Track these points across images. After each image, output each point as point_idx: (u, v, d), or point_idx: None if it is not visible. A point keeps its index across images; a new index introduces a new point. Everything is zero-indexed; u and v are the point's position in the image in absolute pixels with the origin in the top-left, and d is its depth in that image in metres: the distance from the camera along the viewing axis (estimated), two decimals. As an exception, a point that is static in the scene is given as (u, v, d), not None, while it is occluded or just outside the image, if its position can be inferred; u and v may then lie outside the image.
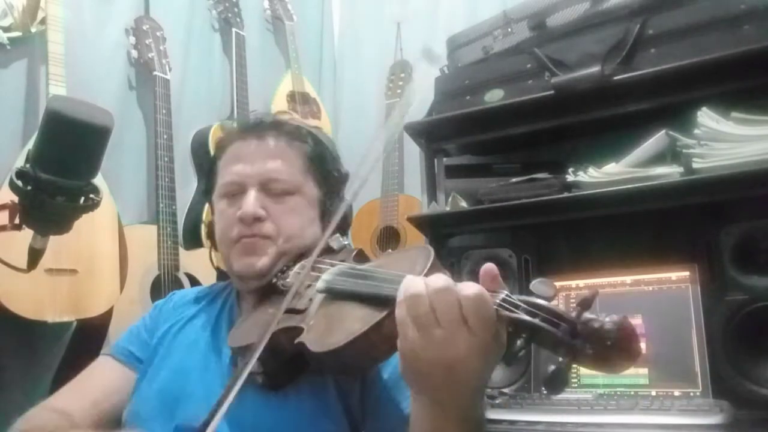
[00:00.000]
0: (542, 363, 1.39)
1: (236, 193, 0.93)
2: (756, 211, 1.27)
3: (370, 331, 0.65)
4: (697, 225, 1.39)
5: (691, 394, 1.24)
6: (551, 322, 0.54)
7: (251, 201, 0.90)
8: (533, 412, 1.24)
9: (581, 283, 1.45)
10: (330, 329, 0.71)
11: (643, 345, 1.33)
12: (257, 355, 0.70)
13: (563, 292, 1.46)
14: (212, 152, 1.05)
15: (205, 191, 1.04)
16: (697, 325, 1.28)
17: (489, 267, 0.61)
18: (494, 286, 0.60)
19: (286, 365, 0.80)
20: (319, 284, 0.79)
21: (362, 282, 0.73)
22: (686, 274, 1.34)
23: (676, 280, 1.35)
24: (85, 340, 1.72)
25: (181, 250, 1.92)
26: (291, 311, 0.80)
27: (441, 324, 0.57)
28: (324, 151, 0.99)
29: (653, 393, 1.27)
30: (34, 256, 0.96)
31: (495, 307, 0.57)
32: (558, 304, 1.43)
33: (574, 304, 0.55)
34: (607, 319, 0.52)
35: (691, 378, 1.25)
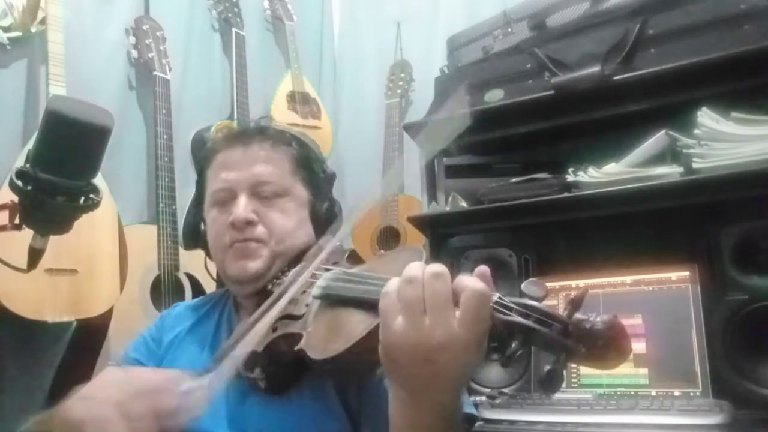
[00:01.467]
0: (542, 363, 1.39)
1: (226, 199, 0.94)
2: (756, 211, 1.27)
3: (368, 336, 0.65)
4: (697, 225, 1.39)
5: (691, 394, 1.24)
6: (544, 322, 0.55)
7: (242, 205, 0.92)
8: (533, 412, 1.24)
9: (581, 283, 1.45)
10: (328, 336, 0.72)
11: (643, 345, 1.33)
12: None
13: (563, 292, 1.46)
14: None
15: (196, 202, 1.04)
16: (697, 325, 1.29)
17: (483, 269, 0.61)
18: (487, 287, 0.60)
19: (287, 370, 0.80)
20: (315, 291, 0.79)
21: (356, 287, 0.73)
22: (686, 274, 1.34)
23: (676, 280, 1.35)
24: (85, 340, 1.72)
25: (181, 250, 1.92)
26: (289, 317, 0.80)
27: (429, 311, 0.57)
28: (309, 154, 1.01)
29: (653, 393, 1.28)
30: (34, 256, 0.96)
31: (490, 308, 0.57)
32: (556, 305, 1.43)
33: (565, 304, 0.56)
34: (598, 320, 0.53)
35: (691, 378, 1.25)
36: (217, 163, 0.98)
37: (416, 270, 0.60)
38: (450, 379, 0.59)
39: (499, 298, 0.58)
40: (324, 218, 0.99)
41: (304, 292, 0.82)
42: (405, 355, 0.59)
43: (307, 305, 0.80)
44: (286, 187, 0.95)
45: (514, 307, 0.57)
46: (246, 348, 0.78)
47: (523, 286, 0.58)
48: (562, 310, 0.56)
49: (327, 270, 0.82)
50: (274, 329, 0.80)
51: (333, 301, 0.76)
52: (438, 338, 0.57)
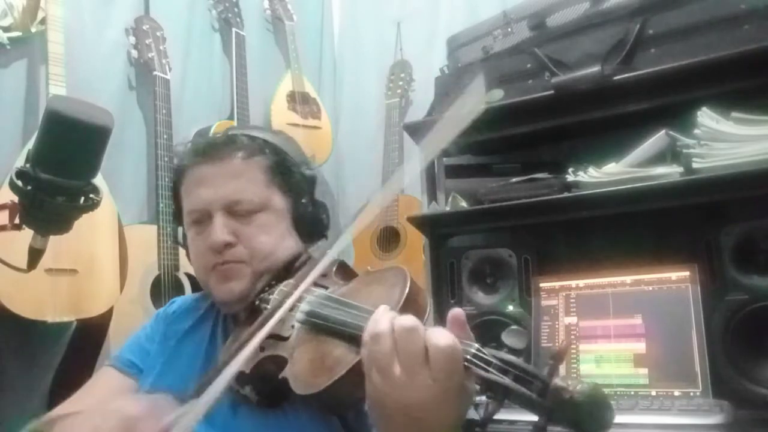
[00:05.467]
0: (540, 367, 1.39)
1: (202, 220, 0.91)
2: (756, 211, 1.27)
3: (349, 373, 0.65)
4: (697, 225, 1.39)
5: (691, 394, 1.24)
6: (523, 381, 0.52)
7: (218, 228, 0.88)
8: (533, 412, 1.24)
9: (581, 283, 1.45)
10: (311, 369, 0.71)
11: (643, 345, 1.33)
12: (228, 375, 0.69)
13: (563, 292, 1.46)
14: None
15: (175, 217, 1.02)
16: (697, 325, 1.28)
17: (457, 313, 0.59)
18: (463, 334, 0.58)
19: (277, 389, 0.79)
20: (299, 315, 0.78)
21: (339, 317, 0.72)
22: (686, 274, 1.34)
23: (676, 280, 1.35)
24: (85, 340, 1.72)
25: (181, 250, 1.92)
26: (276, 337, 0.79)
27: (402, 366, 0.56)
28: (285, 159, 0.96)
29: (653, 393, 1.27)
30: (34, 256, 0.96)
31: (466, 363, 0.56)
32: (556, 304, 1.43)
33: (549, 359, 0.53)
34: (578, 389, 0.50)
35: (691, 378, 1.25)
36: (188, 180, 0.94)
37: (383, 326, 0.58)
38: (433, 428, 0.58)
39: (478, 350, 0.56)
40: (308, 223, 0.96)
41: (291, 309, 0.80)
42: (387, 410, 0.58)
43: (293, 326, 0.79)
44: (262, 201, 0.91)
45: (493, 362, 0.54)
46: (233, 369, 0.78)
47: (503, 335, 0.56)
48: (543, 368, 0.53)
49: (315, 286, 0.81)
50: (261, 349, 0.79)
51: (317, 328, 0.75)
52: (415, 396, 0.56)
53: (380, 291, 0.70)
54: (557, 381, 0.51)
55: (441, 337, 0.56)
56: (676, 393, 1.26)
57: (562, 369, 0.52)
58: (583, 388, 0.50)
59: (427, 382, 0.55)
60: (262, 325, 0.74)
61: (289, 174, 0.95)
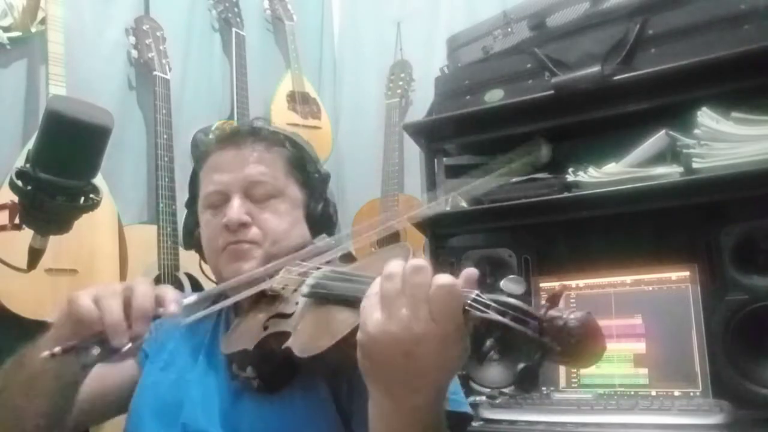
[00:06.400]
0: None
1: (220, 202, 0.94)
2: (756, 211, 1.27)
3: (353, 333, 0.65)
4: (697, 225, 1.40)
5: (691, 394, 1.24)
6: (520, 320, 0.54)
7: (235, 207, 0.91)
8: (533, 412, 1.24)
9: (581, 283, 1.45)
10: (315, 334, 0.73)
11: (643, 345, 1.33)
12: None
13: (563, 291, 1.45)
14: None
15: (189, 204, 1.04)
16: (697, 325, 1.29)
17: (470, 272, 0.60)
18: (468, 286, 0.60)
19: (278, 368, 0.81)
20: (304, 289, 0.80)
21: (344, 285, 0.74)
22: (686, 274, 1.34)
23: (676, 280, 1.35)
24: (85, 340, 1.72)
25: (181, 250, 1.92)
26: (279, 315, 0.81)
27: (408, 304, 0.57)
28: (303, 154, 1.00)
29: (653, 393, 1.28)
30: (34, 256, 0.96)
31: (466, 306, 0.57)
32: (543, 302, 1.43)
33: (544, 301, 0.56)
34: (572, 317, 0.52)
35: (691, 378, 1.25)
36: (209, 165, 0.97)
37: (395, 266, 0.60)
38: (427, 376, 0.59)
39: (477, 295, 0.58)
40: (319, 219, 0.99)
41: (295, 290, 0.82)
42: (382, 350, 0.58)
43: (296, 303, 0.80)
44: (279, 187, 0.94)
45: (492, 304, 0.56)
46: (239, 343, 0.81)
47: (501, 283, 0.58)
48: (539, 308, 0.55)
49: (317, 268, 0.83)
50: (265, 327, 0.80)
51: (321, 298, 0.77)
52: (415, 330, 0.56)
53: (384, 264, 0.72)
54: (552, 313, 0.54)
55: (442, 276, 0.58)
56: (676, 393, 1.26)
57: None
58: (576, 314, 0.53)
59: (428, 320, 0.56)
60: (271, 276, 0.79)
61: (306, 170, 0.99)
